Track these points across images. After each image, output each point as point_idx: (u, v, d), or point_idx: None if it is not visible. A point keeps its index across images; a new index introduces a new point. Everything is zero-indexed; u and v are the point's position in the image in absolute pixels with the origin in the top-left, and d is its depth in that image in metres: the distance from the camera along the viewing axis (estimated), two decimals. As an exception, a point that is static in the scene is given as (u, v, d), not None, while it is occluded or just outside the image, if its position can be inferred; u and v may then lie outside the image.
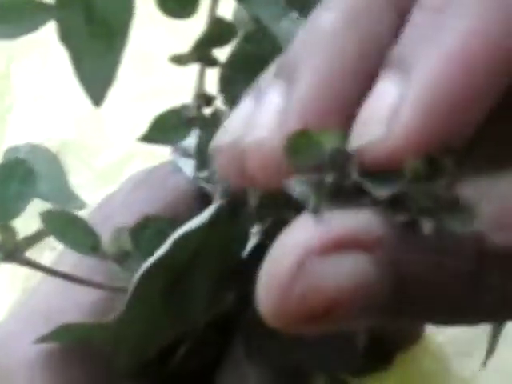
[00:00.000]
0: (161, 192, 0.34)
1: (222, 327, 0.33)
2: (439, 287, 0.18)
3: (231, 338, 0.33)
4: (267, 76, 0.20)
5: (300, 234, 0.17)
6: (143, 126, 0.54)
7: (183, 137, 0.28)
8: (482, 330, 0.31)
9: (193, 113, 0.27)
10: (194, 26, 0.28)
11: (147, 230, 0.29)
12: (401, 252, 0.17)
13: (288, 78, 0.19)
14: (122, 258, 0.28)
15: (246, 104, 0.20)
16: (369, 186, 0.17)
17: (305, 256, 0.17)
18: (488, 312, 0.19)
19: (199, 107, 0.27)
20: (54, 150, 0.41)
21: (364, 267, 0.17)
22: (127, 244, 0.28)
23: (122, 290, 0.28)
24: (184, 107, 0.27)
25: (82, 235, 0.28)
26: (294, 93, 0.19)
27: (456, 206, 0.17)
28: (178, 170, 0.36)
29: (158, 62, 0.59)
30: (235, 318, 0.32)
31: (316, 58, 0.19)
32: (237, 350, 0.33)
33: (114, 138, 0.55)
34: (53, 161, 0.39)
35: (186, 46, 0.28)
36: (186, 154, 0.37)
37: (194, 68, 0.28)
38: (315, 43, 0.19)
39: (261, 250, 0.29)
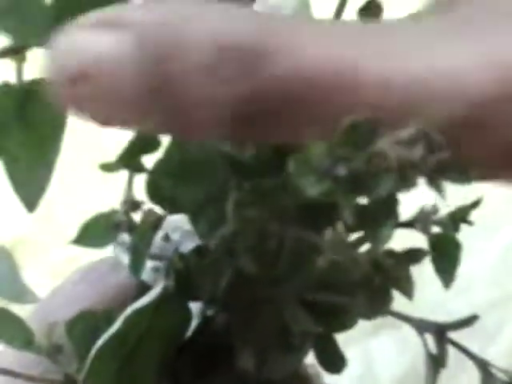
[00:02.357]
0: (100, 289, 0.36)
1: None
2: (178, 81, 0.21)
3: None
4: None
5: None
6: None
7: (111, 241, 0.30)
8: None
9: (121, 217, 0.29)
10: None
11: (81, 325, 0.31)
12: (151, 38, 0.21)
13: None
14: (55, 353, 0.30)
15: None
16: None
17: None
18: (234, 117, 0.21)
19: (127, 212, 0.29)
20: (7, 246, 0.43)
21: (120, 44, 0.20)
22: (60, 339, 0.30)
23: (58, 382, 0.30)
24: (113, 212, 0.29)
25: (15, 330, 0.30)
26: None
27: None
28: (119, 264, 0.37)
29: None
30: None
31: None
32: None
33: (66, 234, 0.57)
34: (6, 257, 0.40)
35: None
36: (127, 248, 0.38)
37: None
38: None
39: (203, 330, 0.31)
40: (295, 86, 0.20)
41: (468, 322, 0.31)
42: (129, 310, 0.27)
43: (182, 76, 0.21)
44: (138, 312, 0.27)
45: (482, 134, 0.21)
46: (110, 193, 0.58)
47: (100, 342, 0.27)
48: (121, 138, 0.30)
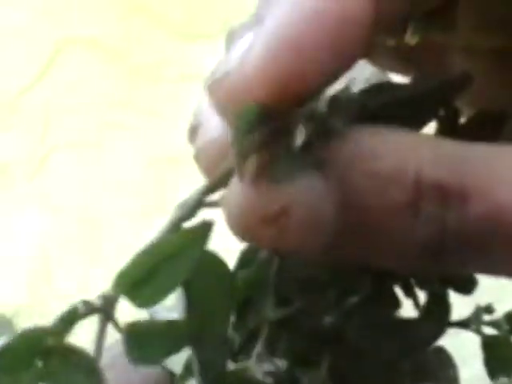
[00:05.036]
0: (132, 375, 0.34)
1: None
2: (379, 216, 0.20)
3: None
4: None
5: None
6: (92, 290, 0.54)
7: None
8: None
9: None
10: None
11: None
12: (347, 173, 0.20)
13: (257, 22, 0.21)
14: None
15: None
16: None
17: None
18: (424, 251, 0.20)
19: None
20: (7, 315, 0.41)
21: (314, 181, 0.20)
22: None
23: None
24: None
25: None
26: (260, 32, 0.20)
27: None
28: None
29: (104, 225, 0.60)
30: None
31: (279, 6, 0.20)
32: None
33: (64, 301, 0.55)
34: (7, 325, 0.39)
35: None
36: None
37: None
38: None
39: None
40: (486, 227, 0.20)
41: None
42: None
43: (382, 212, 0.20)
44: None
45: None
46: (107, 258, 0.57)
47: None
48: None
